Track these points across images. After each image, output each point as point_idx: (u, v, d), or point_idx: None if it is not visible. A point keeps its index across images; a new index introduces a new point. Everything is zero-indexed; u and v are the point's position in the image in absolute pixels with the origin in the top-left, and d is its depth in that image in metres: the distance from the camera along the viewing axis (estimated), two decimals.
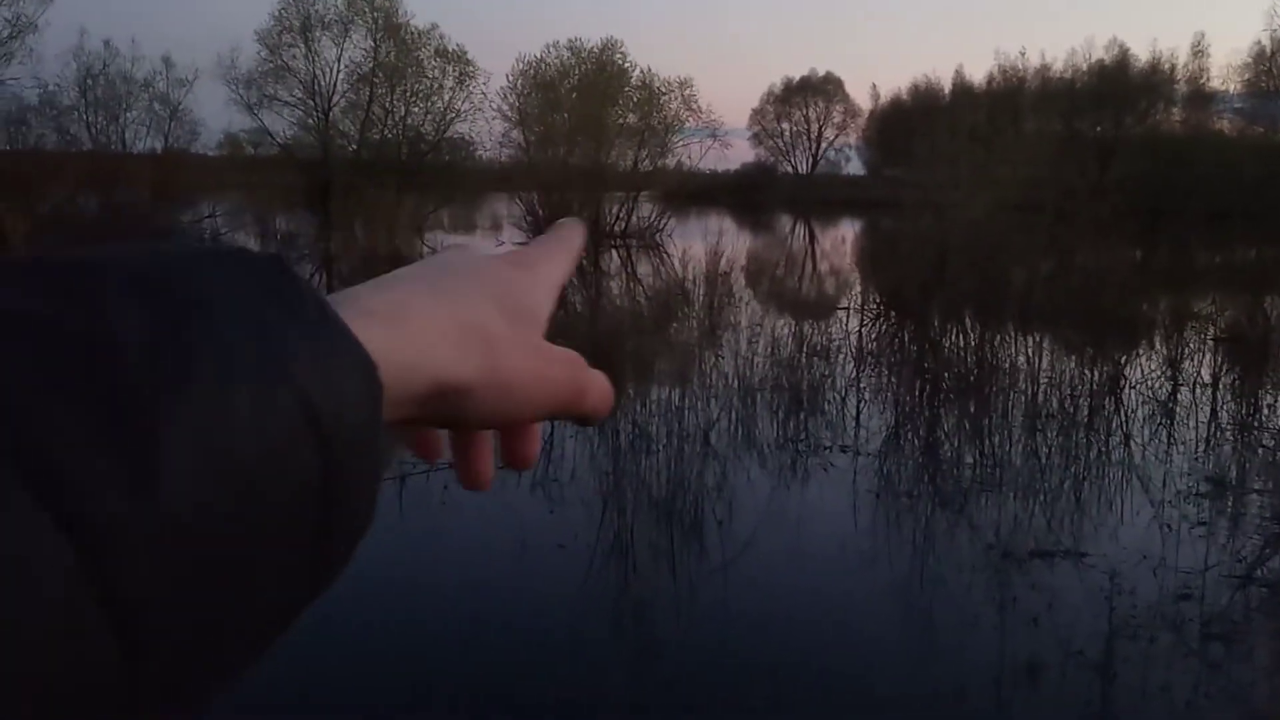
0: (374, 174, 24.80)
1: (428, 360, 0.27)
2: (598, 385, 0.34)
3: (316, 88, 27.89)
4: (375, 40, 28.15)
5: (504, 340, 0.30)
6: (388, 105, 28.41)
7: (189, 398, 0.19)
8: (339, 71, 28.19)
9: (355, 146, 28.17)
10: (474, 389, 0.29)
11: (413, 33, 28.47)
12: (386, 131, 28.46)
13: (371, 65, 28.18)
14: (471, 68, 28.93)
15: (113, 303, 0.20)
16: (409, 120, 28.62)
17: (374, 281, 0.29)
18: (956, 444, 6.70)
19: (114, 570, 0.18)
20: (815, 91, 58.83)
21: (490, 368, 0.29)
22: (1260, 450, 6.56)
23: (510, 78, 30.13)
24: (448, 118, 28.82)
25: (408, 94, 28.46)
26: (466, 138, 29.32)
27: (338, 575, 0.24)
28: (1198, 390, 8.17)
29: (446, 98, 28.77)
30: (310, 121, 28.13)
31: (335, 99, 28.23)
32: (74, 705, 0.17)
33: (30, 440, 0.17)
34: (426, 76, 28.69)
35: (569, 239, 0.38)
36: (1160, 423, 7.17)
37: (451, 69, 28.88)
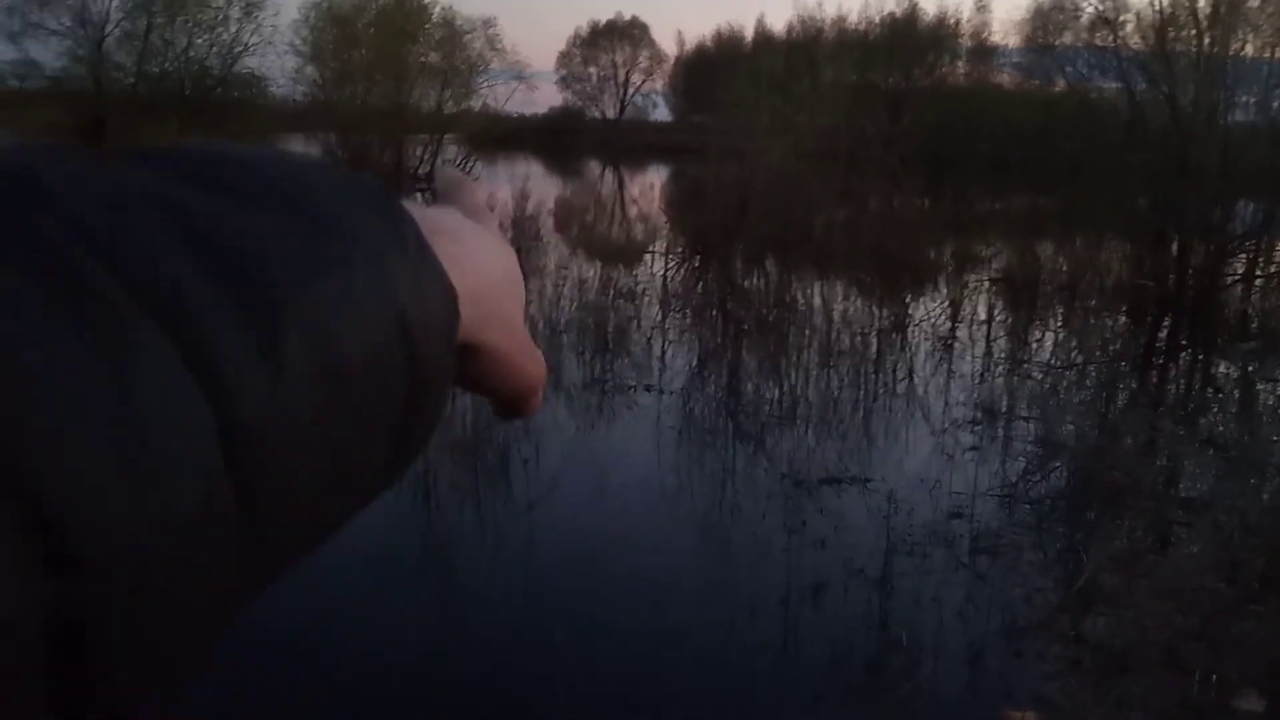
0: (154, 110, 23.09)
1: (472, 313, 0.29)
2: (543, 384, 0.35)
3: (87, 16, 25.61)
4: None
5: (517, 316, 0.32)
6: (167, 36, 26.40)
7: (312, 301, 0.22)
8: None
9: (133, 80, 26.10)
10: (485, 353, 0.31)
11: None
12: (167, 65, 26.51)
13: None
14: None
15: (258, 205, 0.22)
16: (192, 53, 26.74)
17: (428, 218, 0.30)
18: (756, 381, 6.94)
19: (244, 444, 0.19)
20: (621, 36, 58.69)
21: (505, 339, 0.31)
22: (1028, 381, 7.10)
23: (302, 10, 28.59)
24: (235, 51, 27.11)
25: (190, 24, 26.55)
26: (257, 73, 27.71)
27: (402, 477, 0.27)
28: (974, 327, 8.75)
29: (233, 29, 27.02)
30: (81, 53, 25.85)
31: (109, 29, 26.02)
32: (195, 558, 0.19)
33: (181, 313, 0.19)
34: (210, 6, 26.82)
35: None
36: (941, 358, 7.65)
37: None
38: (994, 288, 10.70)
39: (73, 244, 0.18)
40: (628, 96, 58.68)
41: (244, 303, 0.20)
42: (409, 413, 0.25)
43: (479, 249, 0.31)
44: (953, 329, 8.61)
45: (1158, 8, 11.64)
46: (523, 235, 11.49)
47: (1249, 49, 12.08)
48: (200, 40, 26.95)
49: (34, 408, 0.16)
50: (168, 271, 0.19)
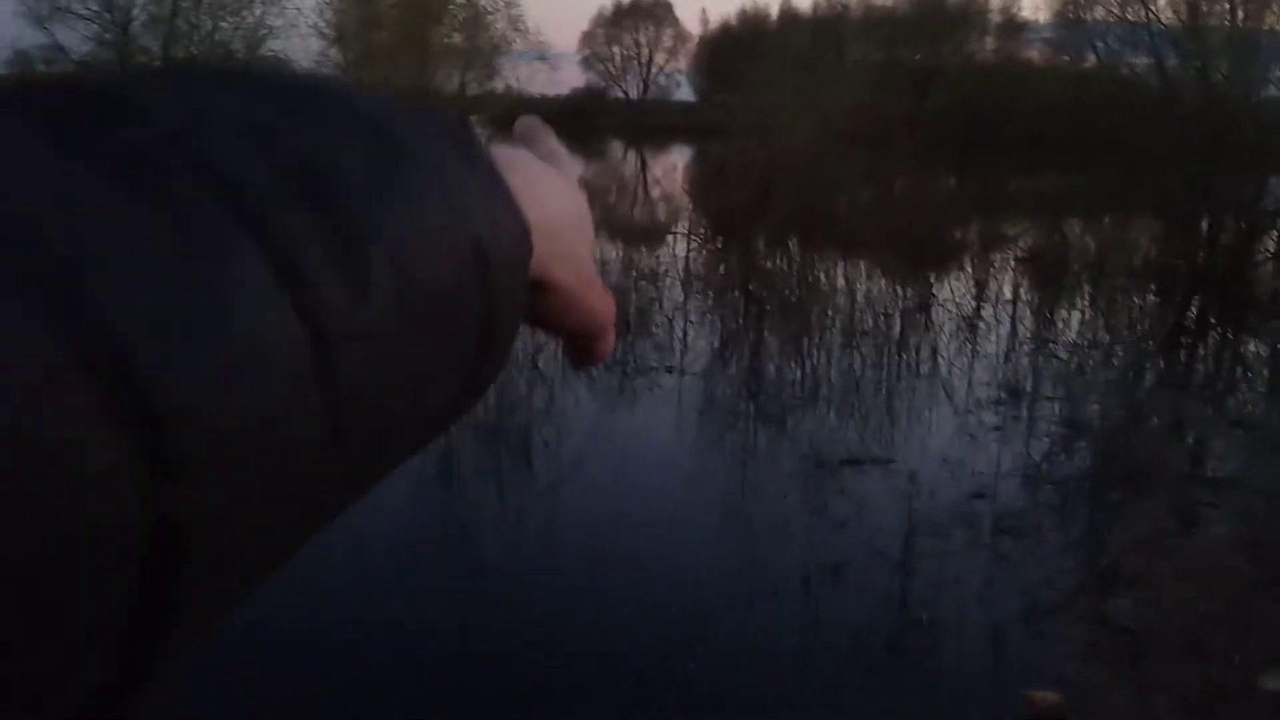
0: None
1: (543, 248, 0.30)
2: (612, 325, 0.36)
3: (113, 0, 25.79)
4: None
5: (586, 255, 0.33)
6: (193, 20, 26.57)
7: (393, 224, 0.22)
8: None
9: (159, 64, 26.29)
10: (555, 290, 0.32)
11: None
12: (193, 48, 26.67)
13: None
14: None
15: (338, 128, 0.23)
16: (217, 36, 26.88)
17: (502, 155, 0.31)
18: (777, 362, 6.91)
19: (332, 359, 0.20)
20: (645, 15, 58.35)
21: (574, 276, 0.32)
22: (1053, 361, 7.04)
23: None
24: (259, 34, 27.23)
25: (215, 8, 26.68)
26: (281, 56, 27.80)
27: (474, 406, 0.28)
28: (999, 307, 8.67)
29: (258, 12, 27.15)
30: (107, 37, 26.03)
31: (135, 12, 26.20)
32: (289, 470, 0.19)
33: (271, 226, 0.19)
34: None
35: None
36: (965, 338, 7.59)
37: None
38: (1021, 267, 10.59)
39: (166, 154, 0.19)
40: (651, 76, 58.41)
41: (330, 221, 0.20)
42: (483, 339, 0.25)
43: (550, 188, 0.32)
44: (977, 308, 8.53)
45: None
46: None
47: None
48: (225, 24, 27.09)
49: (141, 309, 0.16)
50: (257, 185, 0.19)
